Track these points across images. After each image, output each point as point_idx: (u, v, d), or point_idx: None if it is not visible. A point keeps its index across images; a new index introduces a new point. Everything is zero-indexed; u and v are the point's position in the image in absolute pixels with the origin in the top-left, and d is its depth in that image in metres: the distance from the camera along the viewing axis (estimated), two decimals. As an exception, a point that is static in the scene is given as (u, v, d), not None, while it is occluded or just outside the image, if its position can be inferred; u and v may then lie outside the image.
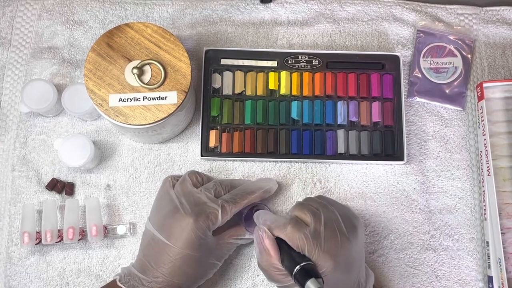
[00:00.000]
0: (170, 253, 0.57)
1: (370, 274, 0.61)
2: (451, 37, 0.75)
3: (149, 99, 0.61)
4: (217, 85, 0.71)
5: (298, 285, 0.52)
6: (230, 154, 0.69)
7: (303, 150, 0.70)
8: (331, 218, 0.57)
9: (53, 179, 0.69)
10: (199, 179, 0.63)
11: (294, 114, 0.70)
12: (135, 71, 0.60)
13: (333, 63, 0.72)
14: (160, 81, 0.61)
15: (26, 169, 0.70)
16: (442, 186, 0.71)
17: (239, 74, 0.71)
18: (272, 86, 0.71)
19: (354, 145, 0.70)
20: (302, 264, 0.52)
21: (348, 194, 0.70)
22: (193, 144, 0.71)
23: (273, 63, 0.72)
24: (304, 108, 0.71)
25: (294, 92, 0.71)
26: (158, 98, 0.61)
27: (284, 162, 0.71)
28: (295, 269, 0.52)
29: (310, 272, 0.51)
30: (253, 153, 0.69)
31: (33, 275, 0.67)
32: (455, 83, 0.74)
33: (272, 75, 0.71)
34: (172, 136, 0.71)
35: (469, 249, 0.69)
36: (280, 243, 0.56)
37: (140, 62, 0.61)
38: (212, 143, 0.69)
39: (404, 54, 0.75)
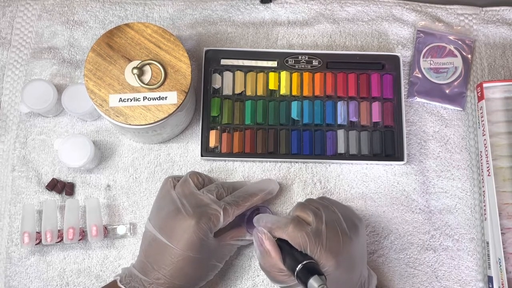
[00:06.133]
0: (172, 255, 0.57)
1: (373, 275, 0.61)
2: (451, 37, 0.75)
3: (149, 99, 0.61)
4: (217, 85, 0.71)
5: (300, 284, 0.51)
6: (230, 154, 0.69)
7: (303, 150, 0.70)
8: (333, 217, 0.57)
9: (53, 179, 0.69)
10: (200, 180, 0.63)
11: (294, 114, 0.70)
12: (135, 71, 0.60)
13: (333, 63, 0.72)
14: (160, 81, 0.61)
15: (26, 169, 0.70)
16: (442, 186, 0.71)
17: (239, 74, 0.71)
18: (272, 86, 0.71)
19: (354, 145, 0.70)
20: (304, 262, 0.52)
21: (348, 194, 0.70)
22: (193, 144, 0.71)
23: (273, 63, 0.72)
24: (304, 108, 0.71)
25: (294, 92, 0.71)
26: (158, 98, 0.61)
27: (284, 162, 0.71)
28: (297, 268, 0.52)
29: (312, 270, 0.51)
30: (253, 153, 0.69)
31: (33, 275, 0.67)
32: (455, 83, 0.74)
33: (272, 75, 0.71)
34: (172, 136, 0.71)
35: (469, 249, 0.69)
36: (281, 243, 0.56)
37: (140, 62, 0.61)
38: (212, 143, 0.69)
39: (404, 54, 0.75)
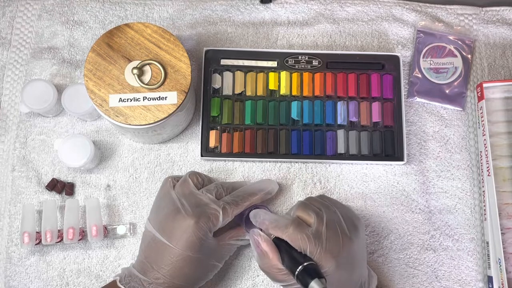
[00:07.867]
0: (171, 255, 0.57)
1: (373, 276, 0.61)
2: (451, 37, 0.75)
3: (149, 99, 0.61)
4: (217, 85, 0.71)
5: (301, 285, 0.51)
6: (230, 154, 0.69)
7: (303, 150, 0.70)
8: (333, 218, 0.57)
9: (53, 179, 0.69)
10: (199, 180, 0.63)
11: (294, 114, 0.70)
12: (135, 71, 0.60)
13: (333, 63, 0.72)
14: (160, 82, 0.61)
15: (26, 169, 0.70)
16: (442, 186, 0.71)
17: (239, 74, 0.71)
18: (272, 86, 0.71)
19: (354, 145, 0.70)
20: (304, 264, 0.52)
21: (348, 194, 0.70)
22: (193, 144, 0.71)
23: (273, 63, 0.72)
24: (304, 108, 0.71)
25: (294, 92, 0.71)
26: (158, 98, 0.61)
27: (284, 162, 0.71)
28: (297, 270, 0.52)
29: (312, 272, 0.51)
30: (253, 153, 0.69)
31: (33, 275, 0.67)
32: (455, 83, 0.74)
33: (272, 75, 0.72)
34: (172, 136, 0.71)
35: (469, 249, 0.69)
36: (279, 242, 0.56)
37: (140, 62, 0.61)
38: (212, 143, 0.69)
39: (404, 54, 0.75)
